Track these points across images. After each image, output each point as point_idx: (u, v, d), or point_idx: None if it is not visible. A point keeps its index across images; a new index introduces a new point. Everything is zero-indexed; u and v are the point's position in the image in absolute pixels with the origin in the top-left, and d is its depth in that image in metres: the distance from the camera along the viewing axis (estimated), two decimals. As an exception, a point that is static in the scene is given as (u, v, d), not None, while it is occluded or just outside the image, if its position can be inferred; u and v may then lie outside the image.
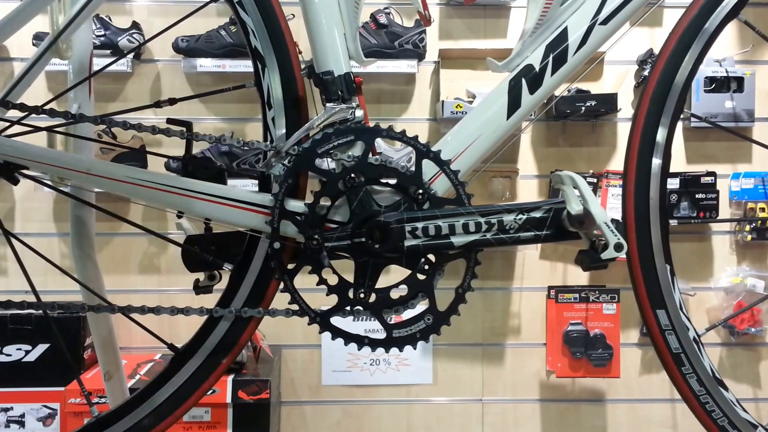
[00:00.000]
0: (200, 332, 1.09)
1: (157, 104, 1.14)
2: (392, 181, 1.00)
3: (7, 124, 1.11)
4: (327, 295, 1.02)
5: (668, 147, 1.07)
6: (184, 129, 1.06)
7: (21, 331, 2.30)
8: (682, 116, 1.09)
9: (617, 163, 2.69)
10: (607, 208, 2.57)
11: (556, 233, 0.96)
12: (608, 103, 2.52)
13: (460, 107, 2.48)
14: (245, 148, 1.20)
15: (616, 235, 0.90)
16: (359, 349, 1.03)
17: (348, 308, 1.02)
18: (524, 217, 0.96)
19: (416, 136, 0.99)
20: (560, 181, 0.98)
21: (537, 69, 1.02)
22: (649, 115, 1.07)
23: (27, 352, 2.32)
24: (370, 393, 2.70)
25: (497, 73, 1.07)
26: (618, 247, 0.90)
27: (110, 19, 2.47)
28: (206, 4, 1.30)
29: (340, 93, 1.02)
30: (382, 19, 2.51)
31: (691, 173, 2.59)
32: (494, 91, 1.05)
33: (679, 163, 2.65)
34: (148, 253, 2.65)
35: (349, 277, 1.01)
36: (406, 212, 0.98)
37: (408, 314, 1.03)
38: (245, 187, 1.04)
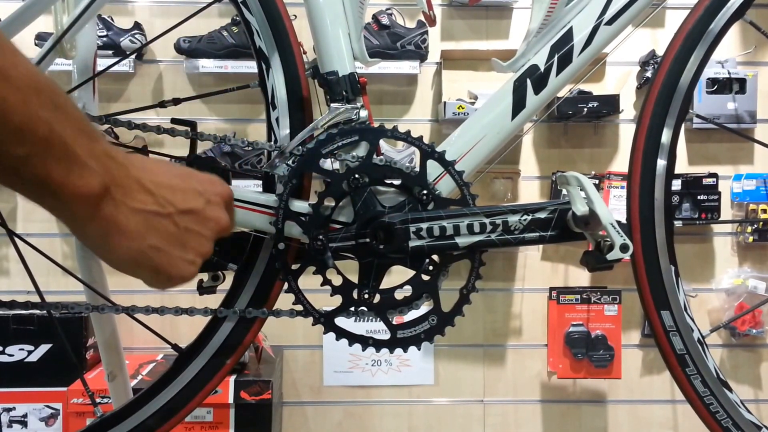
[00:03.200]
0: (204, 333, 1.09)
1: (162, 104, 1.14)
2: (396, 182, 1.00)
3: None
4: (331, 295, 1.02)
5: (673, 148, 1.07)
6: (189, 129, 1.06)
7: (23, 331, 2.30)
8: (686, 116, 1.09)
9: (619, 164, 2.69)
10: (609, 209, 2.57)
11: (561, 234, 0.96)
12: (610, 104, 2.53)
13: (462, 108, 2.48)
14: (249, 148, 1.20)
15: (621, 236, 0.90)
16: (363, 350, 1.03)
17: (352, 309, 1.01)
18: (529, 217, 0.96)
19: (421, 137, 0.99)
20: (565, 181, 0.98)
21: (542, 69, 1.02)
22: (654, 116, 1.07)
23: (29, 353, 2.32)
24: (371, 394, 2.70)
25: (500, 74, 1.07)
26: (624, 248, 0.90)
27: (112, 19, 2.48)
28: (209, 4, 1.30)
29: (344, 93, 1.01)
30: (384, 20, 2.51)
31: (692, 174, 2.59)
32: (499, 92, 1.05)
33: (680, 164, 2.65)
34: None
35: (354, 278, 1.01)
36: (410, 213, 0.98)
37: (412, 315, 1.03)
38: (248, 188, 1.04)
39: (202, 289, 1.11)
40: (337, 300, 1.02)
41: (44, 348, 2.31)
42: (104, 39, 2.41)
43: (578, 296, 2.64)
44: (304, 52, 1.10)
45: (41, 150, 0.53)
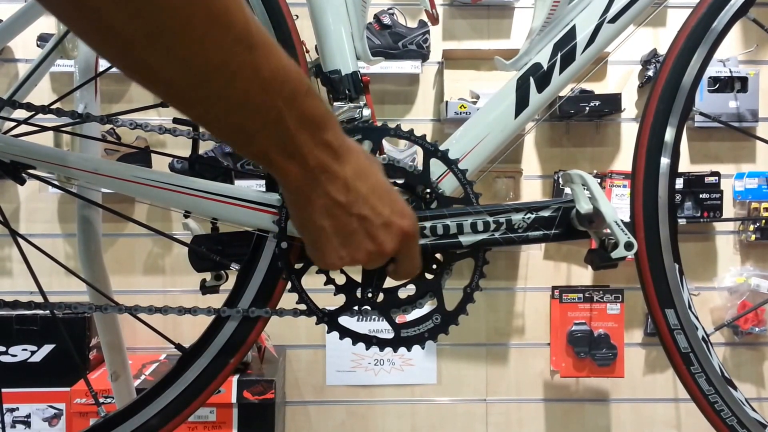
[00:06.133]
0: (207, 332, 1.09)
1: (164, 104, 1.13)
2: (400, 181, 1.00)
3: (14, 123, 1.11)
4: (335, 294, 1.01)
5: (677, 146, 1.07)
6: (191, 129, 1.06)
7: (27, 331, 2.30)
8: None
9: (621, 163, 2.69)
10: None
11: (565, 232, 0.96)
12: (612, 103, 2.53)
13: (464, 108, 2.48)
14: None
15: (626, 234, 0.89)
16: (367, 349, 1.03)
17: (356, 308, 1.01)
18: (533, 216, 0.96)
19: (424, 135, 0.99)
20: (569, 179, 0.98)
21: (545, 68, 1.02)
22: (658, 114, 1.07)
23: (32, 353, 2.32)
24: (374, 393, 2.70)
25: (502, 74, 1.07)
26: (628, 246, 0.89)
27: (114, 20, 2.47)
28: (212, 4, 1.30)
29: (347, 92, 1.01)
30: (386, 20, 2.51)
31: (695, 173, 2.59)
32: (502, 90, 1.04)
33: (683, 163, 2.65)
34: (152, 253, 2.65)
35: (357, 277, 1.01)
36: (414, 212, 0.97)
37: (416, 314, 1.03)
38: (251, 188, 1.05)
39: (205, 289, 1.11)
40: (341, 299, 1.02)
41: (47, 348, 2.32)
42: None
43: (581, 295, 2.64)
44: (307, 51, 1.10)
45: (268, 131, 0.64)
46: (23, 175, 1.05)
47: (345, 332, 1.02)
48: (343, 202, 0.72)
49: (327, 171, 0.69)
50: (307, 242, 0.78)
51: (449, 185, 1.00)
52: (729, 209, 2.68)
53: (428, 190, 0.98)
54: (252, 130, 0.63)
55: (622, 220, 0.91)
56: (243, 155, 0.69)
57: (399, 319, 1.02)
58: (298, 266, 1.02)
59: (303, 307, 1.02)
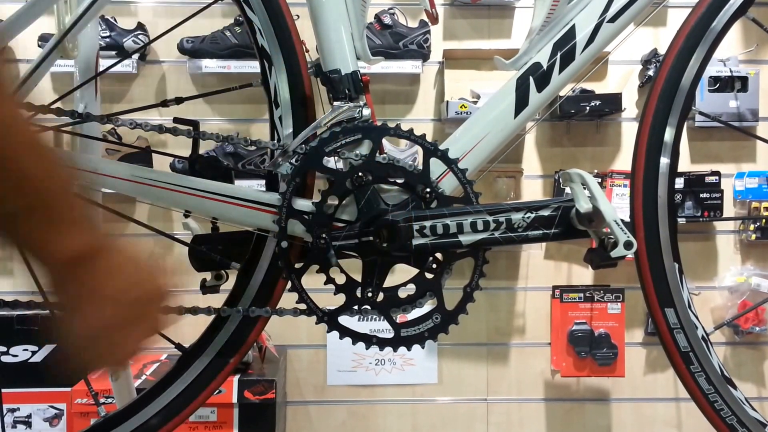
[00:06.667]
0: (207, 332, 1.09)
1: (164, 103, 1.14)
2: (400, 180, 1.00)
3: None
4: (335, 294, 1.02)
5: (676, 146, 1.07)
6: (191, 128, 1.06)
7: (27, 331, 2.30)
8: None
9: (622, 163, 2.69)
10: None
11: (564, 232, 0.96)
12: (612, 102, 2.52)
13: (465, 108, 2.47)
14: (253, 147, 1.20)
15: (625, 233, 0.90)
16: (367, 349, 1.03)
17: (356, 307, 1.01)
18: (533, 215, 0.96)
19: (424, 135, 1.00)
20: (569, 179, 0.98)
21: (545, 67, 1.02)
22: (657, 113, 1.07)
23: (33, 353, 2.32)
24: (375, 393, 2.70)
25: (503, 74, 1.07)
26: (628, 245, 0.90)
27: (115, 20, 2.48)
28: (211, 3, 1.30)
29: (347, 92, 1.01)
30: (387, 20, 2.51)
31: (695, 173, 2.59)
32: (501, 90, 1.05)
33: (683, 162, 2.64)
34: (153, 253, 2.65)
35: (357, 277, 1.01)
36: (413, 211, 0.98)
37: (416, 313, 1.03)
38: (251, 188, 1.05)
39: (206, 289, 1.11)
40: (341, 299, 1.02)
41: (48, 348, 2.32)
42: (107, 39, 2.41)
43: (581, 294, 2.63)
44: (307, 51, 1.10)
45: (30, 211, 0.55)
46: (24, 175, 1.05)
47: (345, 332, 1.02)
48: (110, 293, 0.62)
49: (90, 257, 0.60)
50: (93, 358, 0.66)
51: (449, 185, 1.01)
52: (729, 209, 2.68)
53: (428, 190, 0.98)
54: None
55: (621, 220, 0.91)
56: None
57: (399, 318, 1.02)
58: (298, 266, 1.02)
59: (303, 306, 1.03)
